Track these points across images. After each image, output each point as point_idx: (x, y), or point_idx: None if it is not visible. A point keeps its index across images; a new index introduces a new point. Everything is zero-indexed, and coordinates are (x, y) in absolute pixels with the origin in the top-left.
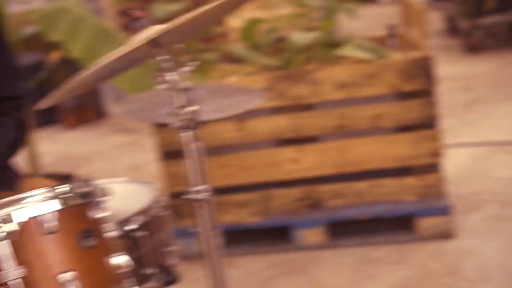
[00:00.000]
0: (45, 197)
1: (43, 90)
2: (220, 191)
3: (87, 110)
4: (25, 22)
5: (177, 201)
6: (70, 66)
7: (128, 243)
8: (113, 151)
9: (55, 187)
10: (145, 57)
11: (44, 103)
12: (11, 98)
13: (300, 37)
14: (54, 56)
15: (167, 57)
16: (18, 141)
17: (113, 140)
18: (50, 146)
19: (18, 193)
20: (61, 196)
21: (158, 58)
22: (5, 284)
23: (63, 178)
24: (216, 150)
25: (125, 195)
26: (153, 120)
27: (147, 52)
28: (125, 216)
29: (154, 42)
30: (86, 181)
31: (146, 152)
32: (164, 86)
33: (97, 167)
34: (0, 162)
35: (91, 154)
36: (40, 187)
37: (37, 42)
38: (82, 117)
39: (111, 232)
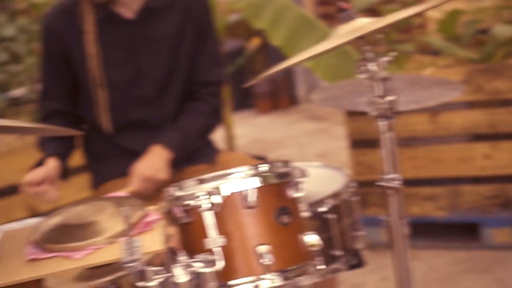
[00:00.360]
0: (247, 174)
1: (240, 75)
2: (408, 182)
3: (280, 97)
4: (231, 10)
5: (364, 190)
6: (267, 53)
7: (319, 224)
8: (303, 137)
9: (257, 166)
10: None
11: (250, 83)
12: (210, 84)
13: (503, 30)
14: (253, 43)
15: (369, 47)
16: (208, 128)
17: (304, 127)
18: (244, 129)
19: (217, 167)
20: (262, 174)
21: (362, 48)
22: (209, 250)
23: (256, 159)
24: (407, 142)
25: (318, 178)
26: (349, 108)
27: (351, 42)
28: (318, 198)
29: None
30: (285, 162)
31: (335, 140)
32: (364, 75)
33: (287, 152)
34: (189, 147)
35: (282, 139)
36: (236, 161)
37: (240, 29)
38: (275, 103)
39: (305, 212)
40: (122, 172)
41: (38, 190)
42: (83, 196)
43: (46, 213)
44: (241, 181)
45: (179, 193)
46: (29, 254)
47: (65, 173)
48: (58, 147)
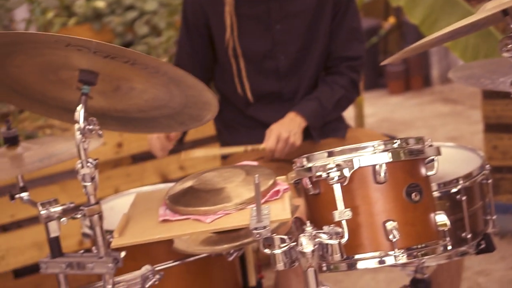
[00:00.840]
0: (378, 149)
1: (374, 55)
2: None
3: (413, 78)
4: None
5: (497, 176)
6: (402, 33)
7: (449, 204)
8: (434, 119)
9: (389, 141)
10: (486, 25)
11: (387, 61)
12: (349, 59)
13: None
14: (389, 22)
15: None
16: (345, 101)
17: (435, 109)
18: (374, 109)
19: (347, 142)
20: (393, 150)
21: (508, 25)
22: (336, 223)
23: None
24: None
25: (451, 158)
26: (491, 88)
27: (492, 20)
28: (450, 179)
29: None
30: (418, 138)
31: (468, 124)
32: (509, 54)
33: (416, 133)
34: (324, 118)
35: (412, 120)
36: (366, 137)
37: (375, 8)
38: (407, 83)
39: (435, 191)
40: (253, 144)
41: (162, 145)
42: (209, 166)
43: (177, 180)
44: (372, 155)
45: (309, 164)
46: (161, 215)
47: (181, 138)
48: None
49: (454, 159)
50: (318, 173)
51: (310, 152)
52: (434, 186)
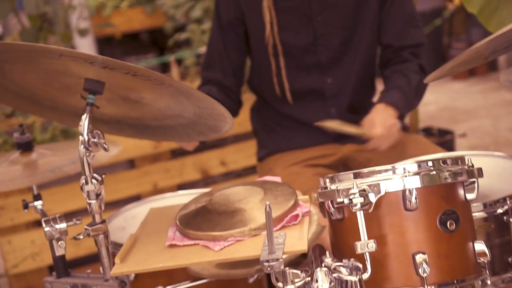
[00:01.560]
0: (409, 172)
1: (437, 37)
2: None
3: None
4: None
5: None
6: (467, 14)
7: (495, 226)
8: (498, 108)
9: (421, 162)
10: None
11: (432, 78)
12: (410, 47)
13: None
14: (454, 3)
15: None
16: (422, 86)
17: (500, 96)
18: (435, 96)
19: (392, 148)
20: (426, 173)
21: None
22: (361, 255)
23: (442, 133)
24: None
25: (499, 172)
26: None
27: None
28: (496, 197)
29: None
30: (457, 159)
31: None
32: None
33: (478, 123)
34: (410, 106)
35: (474, 108)
36: (413, 144)
37: None
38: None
39: (477, 213)
40: (291, 145)
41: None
42: (252, 162)
43: (216, 177)
44: (401, 179)
45: (332, 187)
46: (169, 238)
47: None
48: None
49: (504, 172)
50: (340, 200)
51: (348, 156)
52: (478, 205)
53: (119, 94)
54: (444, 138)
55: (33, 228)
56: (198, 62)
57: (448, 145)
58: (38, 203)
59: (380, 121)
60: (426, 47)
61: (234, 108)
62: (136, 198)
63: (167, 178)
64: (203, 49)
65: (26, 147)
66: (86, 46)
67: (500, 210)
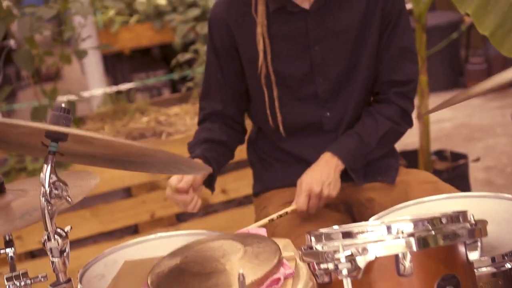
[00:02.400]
0: (404, 233)
1: (454, 51)
2: None
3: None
4: None
5: None
6: None
7: (502, 283)
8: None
9: (418, 221)
10: None
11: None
12: (399, 83)
13: None
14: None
15: None
16: (391, 136)
17: None
18: (452, 112)
19: (395, 189)
20: (422, 235)
21: None
22: None
23: (455, 157)
24: None
25: (509, 218)
26: None
27: None
28: (505, 250)
29: None
30: (458, 215)
31: None
32: None
33: (495, 142)
34: (366, 157)
35: (492, 126)
36: (417, 184)
37: None
38: None
39: (484, 268)
40: (287, 182)
41: (183, 199)
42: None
43: (216, 205)
44: (394, 241)
45: (317, 247)
46: None
47: (211, 181)
48: (208, 150)
49: None
50: (324, 266)
51: (349, 196)
52: (485, 260)
53: (83, 139)
54: (457, 163)
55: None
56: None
57: (462, 170)
58: (10, 251)
59: (307, 189)
60: (443, 62)
61: (239, 137)
62: (133, 228)
63: (165, 207)
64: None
65: None
66: (93, 63)
67: (509, 265)
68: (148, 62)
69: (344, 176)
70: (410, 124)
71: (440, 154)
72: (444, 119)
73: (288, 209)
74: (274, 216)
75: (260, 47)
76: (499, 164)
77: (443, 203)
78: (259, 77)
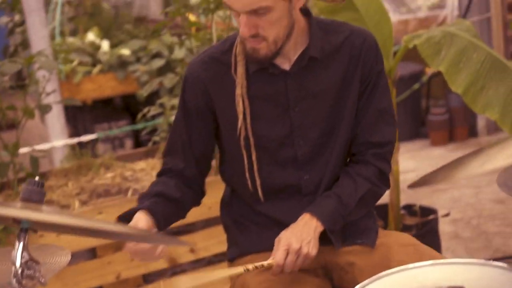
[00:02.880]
0: None
1: (416, 101)
2: None
3: (457, 127)
4: (403, 40)
5: None
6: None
7: None
8: (480, 176)
9: None
10: None
11: (417, 184)
12: (377, 145)
13: None
14: (431, 68)
15: None
16: (370, 197)
17: None
18: (415, 163)
19: (375, 252)
20: None
21: None
22: None
23: (425, 212)
24: None
25: (498, 284)
26: None
27: None
28: None
29: None
30: None
31: None
32: None
33: (460, 194)
34: (345, 218)
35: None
36: (398, 247)
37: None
38: (451, 134)
39: None
40: (265, 246)
41: (139, 250)
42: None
43: (185, 265)
44: None
45: None
46: None
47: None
48: (157, 205)
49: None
50: None
51: (329, 261)
52: None
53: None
54: (427, 218)
55: None
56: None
57: (432, 225)
58: None
59: (286, 244)
60: (405, 113)
61: (195, 199)
62: None
63: (132, 268)
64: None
65: None
66: (55, 114)
67: None
68: (110, 113)
69: (323, 240)
70: (387, 185)
71: (409, 208)
72: (408, 170)
73: (265, 262)
74: (250, 266)
75: (240, 108)
76: (465, 217)
77: (428, 270)
78: (237, 139)
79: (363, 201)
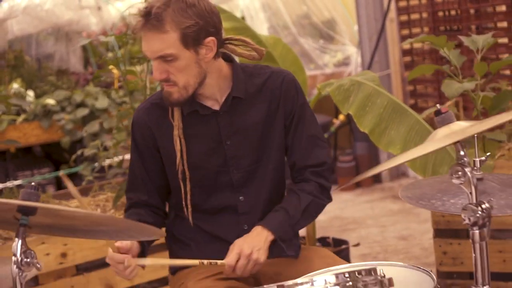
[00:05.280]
0: (329, 284)
1: None
2: (496, 276)
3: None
4: (317, 88)
5: (447, 282)
6: (351, 129)
7: None
8: (385, 217)
9: (339, 274)
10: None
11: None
12: (314, 166)
13: None
14: (339, 119)
15: (465, 153)
16: (313, 207)
17: (386, 207)
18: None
19: (298, 263)
20: (343, 284)
21: (458, 153)
22: None
23: (337, 243)
24: (495, 233)
25: (403, 281)
26: (441, 210)
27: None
28: None
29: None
30: (370, 270)
31: (418, 222)
32: (458, 181)
33: (367, 232)
34: (294, 228)
35: (363, 218)
36: (319, 259)
37: (327, 106)
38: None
39: None
40: (205, 258)
41: (123, 257)
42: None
43: None
44: None
45: None
46: None
47: (143, 255)
48: None
49: (406, 282)
50: None
51: (261, 271)
52: None
53: (51, 212)
54: (339, 248)
55: None
56: (99, 176)
57: (344, 254)
58: None
59: (238, 248)
60: (331, 166)
61: (162, 222)
62: None
63: None
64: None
65: None
66: None
67: None
68: (33, 161)
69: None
70: (329, 198)
71: (323, 240)
72: None
73: (219, 261)
74: (205, 261)
75: (177, 147)
76: (373, 252)
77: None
78: (176, 173)
79: (308, 212)
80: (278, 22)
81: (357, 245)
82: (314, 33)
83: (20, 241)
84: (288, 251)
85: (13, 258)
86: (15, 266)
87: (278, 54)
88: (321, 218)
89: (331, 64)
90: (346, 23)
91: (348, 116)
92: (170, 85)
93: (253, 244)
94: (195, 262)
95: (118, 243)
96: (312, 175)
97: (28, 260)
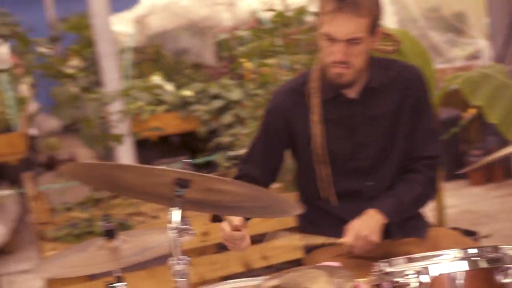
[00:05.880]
0: (456, 257)
1: (454, 144)
2: None
3: (495, 169)
4: (445, 80)
5: None
6: (483, 123)
7: None
8: None
9: (467, 249)
10: None
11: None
12: (427, 158)
13: None
14: (469, 113)
15: None
16: (422, 198)
17: None
18: (455, 200)
19: (427, 242)
20: (471, 258)
21: None
22: None
23: (467, 234)
24: None
25: None
26: None
27: None
28: None
29: None
30: (495, 247)
31: None
32: None
33: (498, 227)
34: (402, 215)
35: (494, 212)
36: (446, 238)
37: (456, 99)
38: (489, 175)
39: None
40: (336, 238)
41: (240, 235)
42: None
43: (259, 269)
44: (450, 263)
45: (388, 269)
46: None
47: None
48: None
49: None
50: (398, 279)
51: (389, 251)
52: None
53: (203, 186)
54: (473, 240)
55: None
56: (232, 165)
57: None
58: (122, 285)
59: (356, 229)
60: (442, 160)
61: None
62: None
63: (213, 270)
64: (234, 152)
65: (110, 234)
66: (124, 149)
67: None
68: (171, 149)
69: (383, 234)
70: (435, 191)
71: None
72: (449, 206)
73: (339, 241)
74: (326, 241)
75: (317, 132)
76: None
77: None
78: (311, 156)
79: (417, 201)
80: (406, 15)
81: (487, 236)
82: (442, 26)
83: (178, 211)
84: (396, 235)
85: (171, 225)
86: (173, 232)
87: (406, 47)
88: (451, 211)
89: (461, 57)
90: (476, 16)
91: (479, 110)
92: (346, 67)
93: (368, 225)
94: (320, 240)
95: (237, 221)
96: (424, 167)
97: (185, 226)
